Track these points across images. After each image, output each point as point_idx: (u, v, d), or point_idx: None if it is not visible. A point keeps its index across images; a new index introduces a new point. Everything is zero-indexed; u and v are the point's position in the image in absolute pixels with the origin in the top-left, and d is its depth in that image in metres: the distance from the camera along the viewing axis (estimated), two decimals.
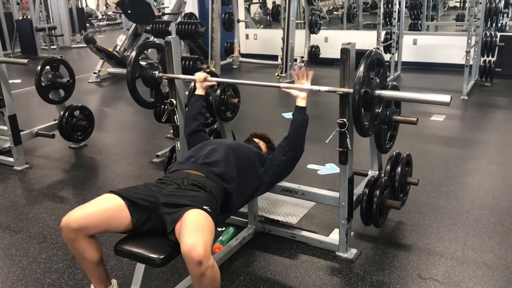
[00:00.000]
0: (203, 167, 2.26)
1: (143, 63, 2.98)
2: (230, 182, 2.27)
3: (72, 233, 1.98)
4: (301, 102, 2.45)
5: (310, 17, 7.79)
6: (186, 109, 2.81)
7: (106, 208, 2.02)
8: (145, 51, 8.58)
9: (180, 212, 1.94)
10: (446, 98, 2.21)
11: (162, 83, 3.06)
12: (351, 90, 2.22)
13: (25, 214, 3.29)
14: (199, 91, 2.77)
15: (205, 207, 1.98)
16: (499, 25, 7.27)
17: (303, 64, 7.85)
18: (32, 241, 2.92)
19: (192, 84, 3.15)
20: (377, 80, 2.34)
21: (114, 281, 2.28)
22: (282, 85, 2.56)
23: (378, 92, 2.30)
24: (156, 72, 2.97)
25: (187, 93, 3.11)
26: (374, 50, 2.29)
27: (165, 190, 2.13)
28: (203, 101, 2.77)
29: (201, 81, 2.76)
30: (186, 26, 6.93)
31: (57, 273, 2.57)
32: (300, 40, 7.75)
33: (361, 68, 2.18)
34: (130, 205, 2.03)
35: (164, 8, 8.17)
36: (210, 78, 2.78)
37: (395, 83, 2.71)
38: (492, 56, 6.64)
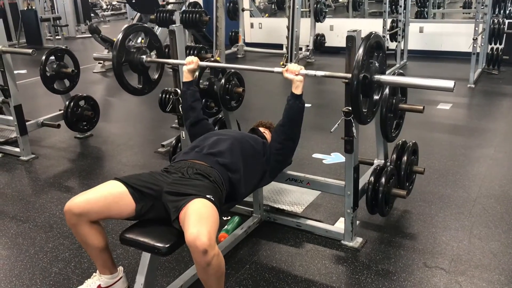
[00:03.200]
0: (208, 157, 2.26)
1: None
2: (235, 172, 2.26)
3: (74, 218, 2.00)
4: (297, 89, 2.39)
5: (315, 5, 7.73)
6: (181, 100, 2.73)
7: (108, 194, 2.03)
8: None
9: (184, 201, 1.94)
10: (449, 83, 2.11)
11: (150, 68, 2.95)
12: (349, 75, 2.13)
13: (32, 203, 3.31)
14: (187, 77, 2.68)
15: (208, 196, 1.98)
16: (507, 12, 7.19)
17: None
18: (38, 230, 2.94)
19: (197, 73, 3.14)
20: (376, 64, 2.24)
21: (120, 268, 2.29)
22: (276, 69, 2.47)
23: (377, 77, 2.19)
24: (144, 57, 2.84)
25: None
26: (373, 32, 2.18)
27: (169, 178, 2.13)
28: (194, 86, 2.71)
29: (191, 63, 2.65)
30: (191, 15, 6.90)
31: (64, 262, 2.59)
32: (305, 29, 7.70)
33: (360, 51, 2.07)
34: (133, 192, 2.04)
35: None
36: (200, 63, 2.70)
37: (401, 71, 2.68)
38: (500, 44, 6.57)
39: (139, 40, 8.49)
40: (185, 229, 1.82)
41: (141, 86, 2.94)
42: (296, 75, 2.36)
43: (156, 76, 3.01)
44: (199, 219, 1.84)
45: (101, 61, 7.85)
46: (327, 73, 2.31)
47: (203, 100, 3.18)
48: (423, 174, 3.02)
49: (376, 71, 2.19)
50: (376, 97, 2.29)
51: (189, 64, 2.66)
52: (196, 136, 2.60)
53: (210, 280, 1.87)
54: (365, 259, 2.52)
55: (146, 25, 3.02)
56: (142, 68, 2.87)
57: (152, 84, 3.01)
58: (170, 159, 2.64)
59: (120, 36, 2.74)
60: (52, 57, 4.18)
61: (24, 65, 8.16)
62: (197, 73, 2.77)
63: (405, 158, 2.84)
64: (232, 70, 3.10)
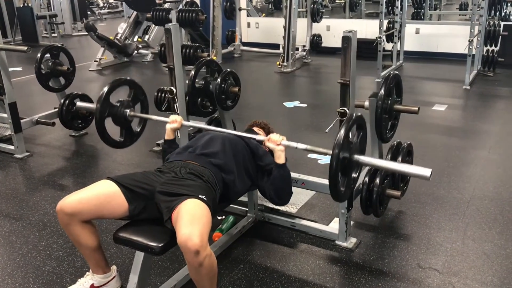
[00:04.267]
0: (201, 158, 2.25)
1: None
2: (229, 173, 2.25)
3: (66, 217, 2.00)
4: (279, 159, 2.30)
5: (312, 5, 7.73)
6: (162, 154, 2.65)
7: (100, 193, 2.03)
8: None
9: (177, 201, 1.94)
10: (426, 172, 1.95)
11: (133, 122, 2.88)
12: (330, 152, 2.02)
13: (26, 201, 3.30)
14: (169, 135, 2.60)
15: (201, 196, 1.97)
16: (503, 14, 7.21)
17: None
18: (32, 228, 2.93)
19: (192, 72, 3.13)
20: (357, 144, 2.15)
21: (113, 267, 2.29)
22: (258, 137, 2.44)
23: (357, 157, 2.09)
24: (128, 111, 2.78)
25: (187, 81, 3.09)
26: (354, 114, 2.12)
27: (162, 178, 2.13)
28: (176, 144, 2.62)
29: (174, 122, 2.59)
30: (187, 14, 6.88)
31: (57, 261, 2.58)
32: (302, 29, 7.69)
33: (342, 132, 1.98)
34: (126, 192, 2.04)
35: None
36: (184, 122, 2.63)
37: (397, 72, 2.69)
38: (495, 46, 6.59)
39: (135, 38, 8.50)
40: (177, 230, 1.82)
41: (122, 140, 2.88)
42: (278, 145, 2.30)
43: (138, 129, 2.95)
44: (191, 219, 1.83)
45: (97, 59, 7.85)
46: (308, 147, 2.24)
47: (199, 99, 3.18)
48: None
49: (356, 150, 2.12)
50: (354, 175, 2.17)
51: (172, 123, 2.58)
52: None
53: (203, 280, 1.87)
54: (359, 259, 2.53)
55: (130, 78, 2.95)
56: (124, 121, 2.81)
57: (134, 136, 2.94)
58: (163, 158, 2.63)
59: (105, 90, 2.67)
60: (48, 55, 4.16)
61: (20, 63, 8.12)
62: (178, 132, 2.72)
63: (400, 159, 2.84)
64: (228, 70, 3.10)
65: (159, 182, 2.10)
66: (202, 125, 2.84)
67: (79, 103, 3.32)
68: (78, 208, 1.99)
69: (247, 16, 9.55)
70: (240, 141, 2.42)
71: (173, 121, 2.59)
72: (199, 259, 1.75)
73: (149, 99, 4.40)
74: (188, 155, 2.28)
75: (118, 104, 2.76)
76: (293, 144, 2.28)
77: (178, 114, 2.96)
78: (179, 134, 3.00)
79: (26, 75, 7.02)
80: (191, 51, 5.24)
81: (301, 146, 2.26)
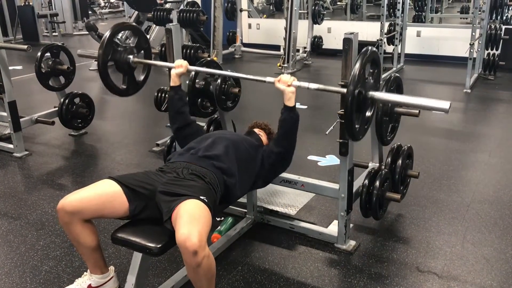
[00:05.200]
0: (203, 160, 2.24)
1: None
2: (231, 176, 2.24)
3: (67, 216, 1.99)
4: (289, 101, 2.31)
5: (313, 7, 7.73)
6: (168, 104, 2.62)
7: (102, 193, 2.02)
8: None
9: (177, 201, 1.93)
10: (445, 104, 2.01)
11: (137, 70, 2.85)
12: (344, 90, 2.04)
13: (24, 200, 3.29)
14: (175, 81, 2.57)
15: (202, 197, 1.96)
16: (504, 17, 7.20)
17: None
18: (30, 228, 2.92)
19: (193, 73, 3.12)
20: (372, 81, 2.15)
21: (111, 268, 2.28)
22: (268, 79, 2.40)
23: (371, 93, 2.11)
24: (131, 57, 2.71)
25: (187, 82, 3.08)
26: (369, 48, 2.10)
27: (163, 178, 2.12)
28: (182, 90, 2.61)
29: (179, 67, 2.55)
30: (188, 14, 6.88)
31: (55, 260, 2.57)
32: (303, 31, 7.69)
33: (357, 66, 1.98)
34: (127, 192, 2.03)
35: None
36: (189, 67, 2.61)
37: (398, 75, 2.68)
38: (496, 49, 6.59)
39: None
40: (176, 229, 1.81)
41: (125, 87, 2.82)
42: (288, 86, 2.29)
43: (141, 78, 2.91)
44: (190, 219, 1.83)
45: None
46: (321, 86, 2.22)
47: (199, 100, 3.17)
48: (417, 178, 3.02)
49: (370, 87, 2.12)
50: (368, 113, 2.20)
51: (177, 68, 2.55)
52: (184, 139, 2.54)
53: (201, 281, 1.86)
54: (358, 262, 2.52)
55: (135, 24, 2.89)
56: (128, 68, 2.75)
57: (137, 85, 2.89)
58: (165, 158, 2.62)
59: (107, 33, 2.63)
60: (48, 54, 4.16)
61: (20, 61, 8.12)
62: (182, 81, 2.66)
63: (400, 161, 2.84)
64: (229, 70, 3.08)
65: (160, 182, 2.09)
66: (206, 69, 2.77)
67: (80, 51, 3.26)
68: (79, 207, 1.98)
69: (248, 17, 9.55)
70: (243, 143, 2.41)
71: (179, 65, 2.56)
72: (197, 259, 1.75)
73: (149, 99, 4.41)
74: (190, 157, 2.27)
75: (121, 49, 2.70)
76: (305, 84, 2.24)
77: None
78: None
79: (26, 74, 7.01)
80: (192, 51, 5.24)
81: (313, 86, 2.22)
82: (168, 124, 4.54)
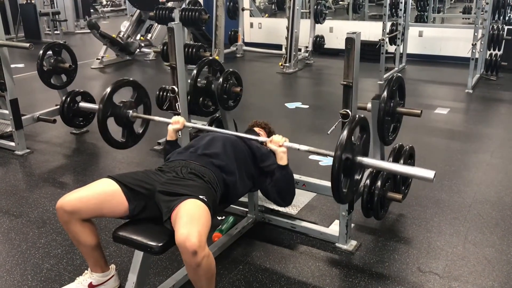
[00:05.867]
0: (202, 158, 2.24)
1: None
2: (230, 174, 2.24)
3: (66, 215, 2.00)
4: (281, 161, 2.29)
5: (315, 6, 7.72)
6: (164, 155, 2.59)
7: (101, 192, 2.02)
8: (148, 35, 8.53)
9: (176, 201, 1.93)
10: (429, 173, 1.94)
11: (136, 123, 2.88)
12: (332, 153, 2.00)
13: (25, 198, 3.29)
14: (171, 136, 2.56)
15: (201, 196, 1.96)
16: (507, 18, 7.19)
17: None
18: (31, 225, 2.92)
19: (195, 72, 3.12)
20: (360, 146, 2.13)
21: (112, 266, 2.28)
22: (261, 139, 2.40)
23: (360, 159, 2.08)
24: (130, 112, 2.77)
25: (189, 80, 3.08)
26: (357, 116, 2.10)
27: (163, 178, 2.12)
28: (177, 145, 2.58)
29: (176, 123, 2.55)
30: (190, 13, 6.87)
31: (56, 258, 2.57)
32: (305, 30, 7.69)
33: (344, 133, 1.97)
34: (126, 191, 2.03)
35: None
36: (186, 123, 2.61)
37: (400, 75, 2.68)
38: (499, 50, 6.57)
39: (138, 37, 8.50)
40: (175, 230, 1.81)
41: (124, 140, 2.87)
42: (280, 146, 2.29)
43: (140, 131, 2.94)
44: (190, 219, 1.82)
45: (99, 57, 7.84)
46: (311, 148, 2.23)
47: (200, 99, 3.18)
48: None
49: (359, 152, 2.10)
50: (357, 177, 2.17)
51: (174, 124, 2.56)
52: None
53: (200, 281, 1.86)
54: (359, 262, 2.51)
55: (134, 80, 2.91)
56: (127, 122, 2.80)
57: (136, 137, 2.93)
58: (165, 157, 2.61)
59: (108, 90, 2.66)
60: (50, 52, 4.16)
61: (22, 59, 8.12)
62: (180, 132, 2.67)
63: (401, 161, 2.83)
64: (230, 70, 3.08)
65: (159, 182, 2.09)
66: (203, 126, 2.82)
67: (82, 104, 3.30)
68: (78, 206, 1.99)
69: (250, 16, 9.54)
70: (242, 142, 2.41)
71: (176, 122, 2.57)
72: (197, 259, 1.74)
73: (151, 98, 4.40)
74: (189, 155, 2.27)
75: (121, 105, 2.74)
76: (295, 145, 2.27)
77: (179, 113, 2.95)
78: (180, 134, 2.99)
79: (28, 72, 7.02)
80: (194, 50, 5.22)
81: (304, 147, 2.25)
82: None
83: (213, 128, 2.77)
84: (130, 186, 2.04)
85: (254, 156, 2.39)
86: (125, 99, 2.80)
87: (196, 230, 1.77)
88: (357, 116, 2.10)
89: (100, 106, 2.64)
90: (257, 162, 2.39)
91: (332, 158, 1.97)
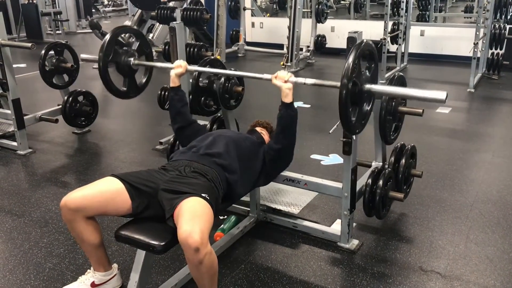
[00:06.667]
0: (205, 158, 2.25)
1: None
2: (232, 173, 2.25)
3: (70, 213, 2.00)
4: (286, 98, 2.29)
5: (316, 6, 7.72)
6: (168, 105, 2.62)
7: (105, 190, 2.02)
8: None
9: (179, 199, 1.93)
10: (441, 95, 1.95)
11: (138, 73, 2.85)
12: (338, 83, 1.97)
13: (28, 198, 3.30)
14: (174, 82, 2.57)
15: (204, 194, 1.97)
16: (509, 17, 7.18)
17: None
18: (34, 225, 2.93)
19: (196, 72, 3.12)
20: (368, 74, 2.10)
21: (115, 265, 2.29)
22: (265, 76, 2.38)
23: (368, 86, 2.06)
24: (132, 59, 2.73)
25: (191, 80, 3.08)
26: (365, 40, 2.06)
27: (166, 176, 2.12)
28: (182, 91, 2.61)
29: (179, 67, 2.55)
30: (192, 13, 6.88)
31: (58, 258, 2.58)
32: (306, 29, 7.69)
33: (350, 59, 1.92)
34: (130, 189, 2.03)
35: None
36: (189, 67, 2.61)
37: (402, 74, 2.68)
38: (501, 49, 6.57)
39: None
40: (178, 227, 1.82)
41: (125, 89, 2.83)
42: (285, 82, 2.28)
43: (143, 81, 2.91)
44: (192, 217, 1.83)
45: None
46: (317, 81, 2.21)
47: (202, 98, 3.17)
48: (421, 177, 3.02)
49: (367, 80, 2.07)
50: (366, 107, 2.15)
51: (176, 68, 2.56)
52: (186, 138, 2.54)
53: (203, 278, 1.86)
54: (361, 261, 2.52)
55: (137, 28, 2.87)
56: (128, 70, 2.77)
57: (138, 88, 2.90)
58: (168, 157, 2.62)
59: (108, 35, 2.64)
60: (52, 52, 4.17)
61: (24, 59, 8.14)
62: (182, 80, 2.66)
63: (403, 161, 2.83)
64: (232, 69, 3.08)
65: (163, 180, 2.09)
66: (205, 69, 2.78)
67: (83, 55, 3.26)
68: (82, 204, 1.99)
69: (252, 15, 9.55)
70: (244, 141, 2.42)
71: (178, 65, 2.56)
72: (199, 256, 1.75)
73: (153, 98, 4.41)
74: (192, 155, 2.28)
75: (123, 52, 2.71)
76: (301, 80, 2.23)
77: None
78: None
79: (30, 72, 7.03)
80: (195, 50, 5.23)
81: (309, 81, 2.20)
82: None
83: (215, 70, 2.72)
84: (134, 184, 2.05)
85: (256, 152, 2.40)
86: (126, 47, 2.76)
87: (199, 227, 1.77)
88: (363, 41, 2.05)
89: (100, 54, 2.59)
90: (263, 155, 2.42)
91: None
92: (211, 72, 2.80)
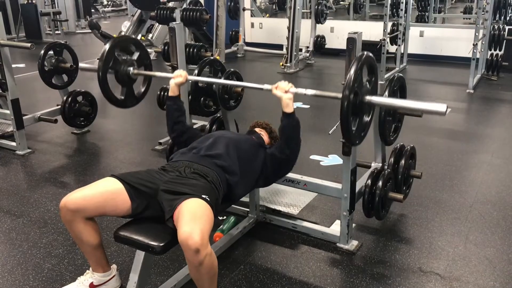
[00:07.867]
0: (205, 159, 2.24)
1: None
2: (232, 175, 2.24)
3: (69, 214, 2.00)
4: (287, 108, 2.28)
5: (316, 6, 7.72)
6: (166, 114, 2.61)
7: (105, 191, 2.02)
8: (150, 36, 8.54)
9: (179, 200, 1.93)
10: (441, 107, 1.94)
11: (136, 83, 2.85)
12: (339, 95, 1.99)
13: (27, 198, 3.29)
14: (173, 91, 2.56)
15: (204, 196, 1.97)
16: (508, 18, 7.19)
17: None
18: (32, 225, 2.92)
19: (196, 71, 3.12)
20: (368, 86, 2.12)
21: (114, 266, 2.28)
22: (265, 86, 2.38)
23: (368, 98, 2.07)
24: (131, 69, 2.72)
25: (190, 80, 3.08)
26: (365, 53, 2.08)
27: (166, 177, 2.12)
28: (180, 101, 2.59)
29: (179, 77, 2.54)
30: (191, 13, 6.88)
31: (57, 258, 2.57)
32: (306, 30, 7.69)
33: (352, 72, 1.94)
34: (130, 190, 2.03)
35: None
36: (189, 77, 2.60)
37: (401, 75, 2.68)
38: (500, 50, 6.57)
39: (139, 37, 8.49)
40: (178, 228, 1.82)
41: (123, 98, 2.82)
42: (286, 92, 2.27)
43: (142, 91, 2.91)
44: (192, 218, 1.83)
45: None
46: (318, 92, 2.21)
47: (202, 99, 3.17)
48: (420, 178, 3.02)
49: (367, 92, 2.09)
50: (366, 118, 2.16)
51: (177, 78, 2.54)
52: (183, 144, 2.53)
53: (203, 279, 1.86)
54: (360, 262, 2.51)
55: (137, 38, 2.86)
56: (127, 80, 2.75)
57: (135, 98, 2.89)
58: (167, 157, 2.61)
59: (108, 44, 2.62)
60: (51, 52, 4.16)
61: (23, 59, 8.13)
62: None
63: (402, 162, 2.83)
64: (232, 70, 3.08)
65: (162, 181, 2.09)
66: (206, 79, 2.77)
67: (82, 64, 3.26)
68: (82, 204, 1.99)
69: (251, 16, 9.55)
70: (244, 142, 2.41)
71: (178, 75, 2.55)
72: (199, 257, 1.75)
73: (152, 98, 4.40)
74: (192, 156, 2.27)
75: (122, 60, 2.70)
76: (302, 90, 2.22)
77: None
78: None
79: (29, 72, 7.02)
80: (195, 50, 5.24)
81: (310, 92, 2.20)
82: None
83: (213, 80, 2.72)
84: (133, 185, 2.05)
85: (257, 153, 2.40)
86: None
87: (199, 228, 1.77)
88: (364, 54, 2.06)
89: (101, 60, 2.58)
90: (265, 156, 2.41)
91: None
92: (212, 82, 2.79)
